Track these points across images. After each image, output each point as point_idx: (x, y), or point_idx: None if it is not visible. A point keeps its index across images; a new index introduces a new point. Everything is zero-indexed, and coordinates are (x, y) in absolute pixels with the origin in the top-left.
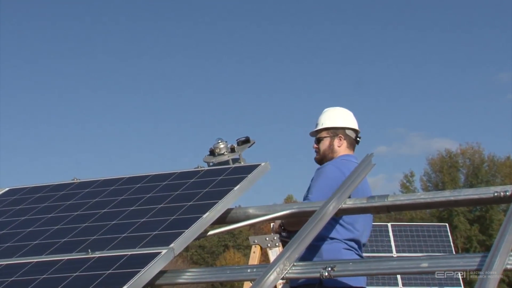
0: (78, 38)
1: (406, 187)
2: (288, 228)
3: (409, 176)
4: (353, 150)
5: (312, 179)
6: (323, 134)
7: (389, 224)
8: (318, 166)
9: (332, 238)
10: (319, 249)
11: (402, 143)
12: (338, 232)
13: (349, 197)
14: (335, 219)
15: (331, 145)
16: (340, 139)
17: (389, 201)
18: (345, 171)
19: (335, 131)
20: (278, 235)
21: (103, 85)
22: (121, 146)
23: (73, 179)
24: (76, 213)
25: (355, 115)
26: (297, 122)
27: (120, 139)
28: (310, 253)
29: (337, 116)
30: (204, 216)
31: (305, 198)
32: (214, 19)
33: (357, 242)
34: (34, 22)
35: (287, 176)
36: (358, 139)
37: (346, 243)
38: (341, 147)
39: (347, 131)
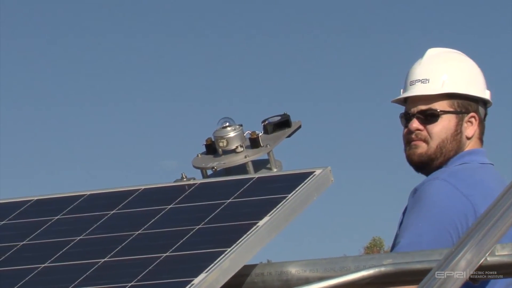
0: None
1: None
2: None
3: None
4: (482, 142)
5: (405, 208)
6: (445, 105)
7: None
8: (420, 175)
9: None
10: None
11: None
12: None
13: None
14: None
15: (458, 131)
16: (472, 122)
17: None
18: (471, 190)
19: (467, 105)
20: None
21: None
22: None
23: None
24: None
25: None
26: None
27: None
28: None
29: (472, 76)
30: (196, 281)
31: (394, 245)
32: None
33: None
34: None
35: (369, 200)
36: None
37: None
38: (472, 139)
39: (480, 108)
